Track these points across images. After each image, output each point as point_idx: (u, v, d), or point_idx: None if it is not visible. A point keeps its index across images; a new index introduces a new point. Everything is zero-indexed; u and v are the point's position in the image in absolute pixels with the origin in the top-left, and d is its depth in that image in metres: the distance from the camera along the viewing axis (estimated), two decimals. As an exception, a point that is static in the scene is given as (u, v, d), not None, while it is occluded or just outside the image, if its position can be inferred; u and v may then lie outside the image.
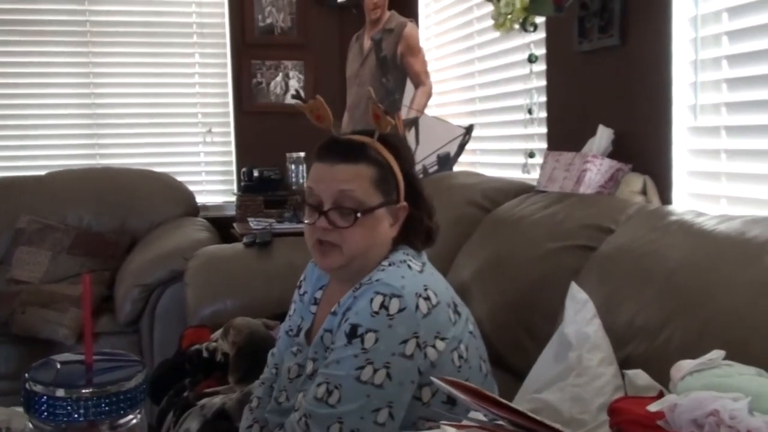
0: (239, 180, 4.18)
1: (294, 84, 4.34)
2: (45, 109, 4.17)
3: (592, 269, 1.66)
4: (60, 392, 0.74)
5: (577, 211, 1.89)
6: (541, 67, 2.63)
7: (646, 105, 2.10)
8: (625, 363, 1.37)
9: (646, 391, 1.22)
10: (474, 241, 2.16)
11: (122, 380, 0.76)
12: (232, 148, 4.36)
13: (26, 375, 0.77)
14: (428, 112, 3.49)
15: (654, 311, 1.40)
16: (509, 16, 2.31)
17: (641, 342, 1.39)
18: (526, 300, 1.80)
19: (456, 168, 3.19)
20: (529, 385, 1.50)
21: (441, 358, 1.35)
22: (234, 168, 4.34)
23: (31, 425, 0.77)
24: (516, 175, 2.72)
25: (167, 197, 3.77)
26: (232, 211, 4.03)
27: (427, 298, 1.35)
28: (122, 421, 0.77)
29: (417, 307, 1.32)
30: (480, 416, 1.00)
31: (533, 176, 2.51)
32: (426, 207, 1.51)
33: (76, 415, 0.74)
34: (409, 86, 3.51)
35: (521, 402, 1.40)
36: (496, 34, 2.68)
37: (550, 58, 2.61)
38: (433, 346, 1.34)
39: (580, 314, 1.47)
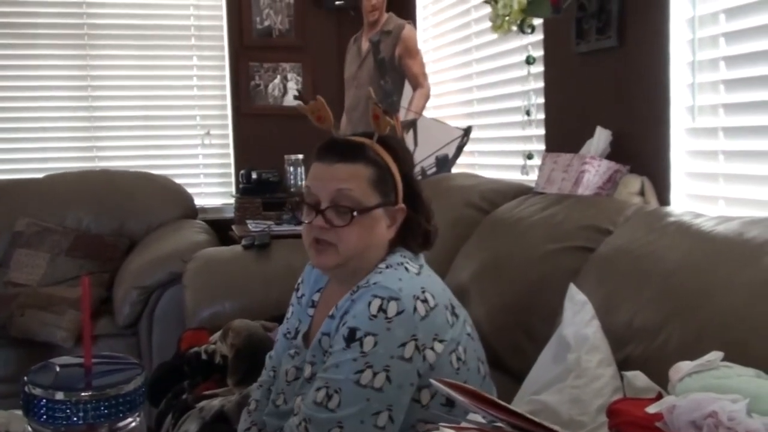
0: (237, 182, 4.17)
1: (292, 86, 4.34)
2: (43, 111, 4.16)
3: (590, 270, 1.66)
4: (59, 395, 0.75)
5: (575, 212, 1.89)
6: (539, 68, 2.63)
7: (643, 106, 2.10)
8: (623, 364, 1.37)
9: (645, 393, 1.22)
10: (472, 243, 2.16)
11: (121, 383, 0.77)
12: (231, 150, 4.35)
13: (25, 378, 0.77)
14: (426, 113, 3.49)
15: (652, 312, 1.40)
16: (507, 18, 2.32)
17: (640, 343, 1.39)
18: (525, 301, 1.80)
19: (454, 170, 3.19)
20: (527, 387, 1.50)
21: (439, 360, 1.35)
22: (232, 170, 4.34)
23: (30, 428, 0.77)
24: (514, 176, 2.72)
25: (166, 199, 3.77)
26: (230, 214, 4.03)
27: (425, 301, 1.35)
28: (121, 424, 0.77)
29: (415, 309, 1.32)
30: (479, 418, 1.00)
31: (531, 178, 2.51)
32: (424, 210, 1.51)
33: (75, 418, 0.74)
34: (408, 88, 3.51)
35: (520, 404, 1.40)
36: (494, 35, 2.68)
37: (547, 60, 2.61)
38: (432, 349, 1.34)
39: (579, 315, 1.47)
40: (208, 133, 4.33)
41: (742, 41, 1.85)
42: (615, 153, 2.15)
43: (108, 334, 3.04)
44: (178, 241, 3.30)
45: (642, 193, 2.02)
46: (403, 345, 1.31)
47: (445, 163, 3.16)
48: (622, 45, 2.16)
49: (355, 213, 1.40)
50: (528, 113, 2.63)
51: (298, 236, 1.62)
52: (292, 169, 3.88)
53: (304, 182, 1.86)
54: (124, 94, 4.24)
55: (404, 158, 1.51)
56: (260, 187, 3.98)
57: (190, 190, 3.94)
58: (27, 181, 3.74)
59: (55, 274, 3.35)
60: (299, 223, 1.58)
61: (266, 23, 4.30)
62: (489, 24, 2.50)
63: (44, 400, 0.74)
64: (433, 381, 1.05)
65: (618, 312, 1.47)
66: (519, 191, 2.30)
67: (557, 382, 1.39)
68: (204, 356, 2.20)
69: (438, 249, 1.58)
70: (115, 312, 3.10)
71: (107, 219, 3.61)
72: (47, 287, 3.26)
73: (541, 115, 2.65)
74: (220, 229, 3.73)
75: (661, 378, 1.19)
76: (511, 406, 0.95)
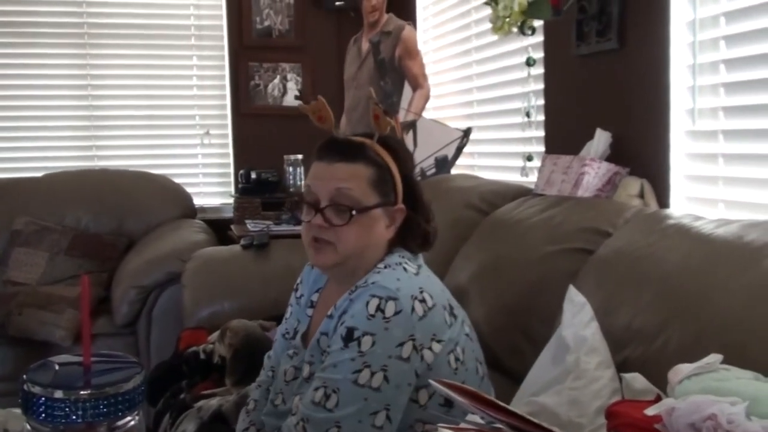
0: (237, 182, 4.17)
1: (292, 86, 4.34)
2: (42, 110, 4.16)
3: (589, 272, 1.66)
4: (58, 394, 0.75)
5: (574, 214, 1.89)
6: (539, 70, 2.63)
7: (643, 109, 2.10)
8: (622, 366, 1.37)
9: (644, 395, 1.22)
10: (472, 244, 2.16)
11: (120, 382, 0.77)
12: (230, 150, 4.35)
13: (24, 376, 0.77)
14: (426, 114, 3.50)
15: (651, 315, 1.40)
16: (507, 20, 2.32)
17: (639, 345, 1.39)
18: (524, 303, 1.80)
19: (454, 171, 3.19)
20: (526, 388, 1.50)
21: (437, 360, 1.35)
22: (231, 170, 4.34)
23: (29, 426, 0.77)
24: (514, 178, 2.72)
25: (165, 199, 3.77)
26: (229, 213, 4.03)
27: (423, 301, 1.35)
28: (120, 422, 0.77)
29: (413, 309, 1.32)
30: (477, 419, 1.00)
31: (531, 179, 2.51)
32: (424, 211, 1.51)
33: (74, 417, 0.74)
34: (407, 89, 3.51)
35: (518, 405, 1.40)
36: (494, 37, 2.68)
37: (548, 62, 2.61)
38: (430, 349, 1.34)
39: (578, 317, 1.47)
40: (207, 133, 4.33)
41: (742, 44, 1.85)
42: (615, 155, 2.15)
43: (106, 334, 3.03)
44: (177, 240, 3.30)
45: (641, 195, 2.02)
46: (401, 345, 1.31)
47: (444, 164, 3.16)
48: (623, 47, 2.16)
49: (354, 212, 1.40)
50: (528, 115, 2.63)
51: (296, 236, 1.62)
52: (291, 169, 3.88)
53: (303, 181, 1.86)
54: (124, 93, 4.24)
55: (404, 159, 1.51)
56: (259, 187, 3.97)
57: (189, 190, 3.94)
58: (26, 180, 3.74)
59: (54, 273, 3.35)
60: (298, 223, 1.58)
61: (266, 23, 4.30)
62: (489, 25, 2.50)
63: (43, 399, 0.74)
64: (431, 381, 1.04)
65: (617, 314, 1.47)
66: (518, 193, 2.30)
67: (556, 383, 1.39)
68: (202, 356, 2.20)
69: (437, 250, 1.58)
70: (113, 311, 3.10)
71: (106, 218, 3.61)
72: (46, 286, 3.26)
73: (541, 117, 2.65)
74: (219, 228, 3.73)
75: (660, 380, 1.19)
76: (509, 407, 0.95)
